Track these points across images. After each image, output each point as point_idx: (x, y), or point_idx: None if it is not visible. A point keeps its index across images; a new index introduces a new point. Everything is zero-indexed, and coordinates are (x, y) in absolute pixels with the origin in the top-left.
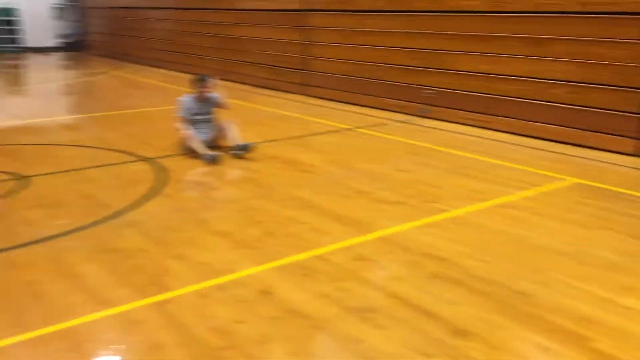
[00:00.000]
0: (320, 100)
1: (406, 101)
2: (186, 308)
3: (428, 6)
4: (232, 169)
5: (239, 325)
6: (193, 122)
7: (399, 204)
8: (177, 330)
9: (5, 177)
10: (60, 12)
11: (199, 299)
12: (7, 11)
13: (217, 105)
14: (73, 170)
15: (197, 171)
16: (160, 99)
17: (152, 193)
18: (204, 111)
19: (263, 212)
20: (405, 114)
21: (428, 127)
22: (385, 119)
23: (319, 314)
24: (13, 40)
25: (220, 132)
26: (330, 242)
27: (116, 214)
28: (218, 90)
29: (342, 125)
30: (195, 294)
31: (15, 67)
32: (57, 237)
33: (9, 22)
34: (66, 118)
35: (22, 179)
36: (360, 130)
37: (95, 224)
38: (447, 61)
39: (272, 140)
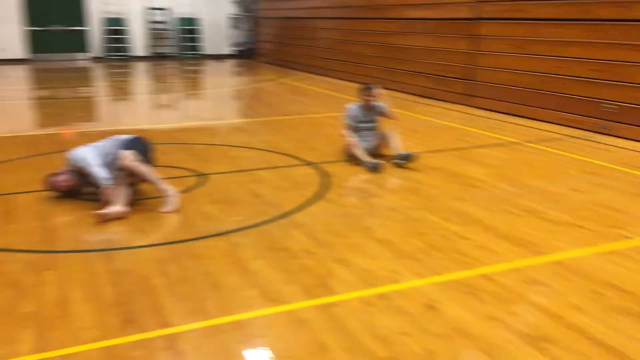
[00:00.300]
0: (485, 111)
1: (583, 116)
2: (351, 313)
3: (612, 14)
4: (394, 178)
5: (403, 337)
6: (357, 130)
7: (575, 226)
8: (342, 334)
9: (187, 173)
10: (236, 21)
11: (364, 306)
12: (190, 21)
13: (383, 114)
14: (245, 170)
15: (358, 178)
16: (324, 106)
17: (316, 197)
18: (368, 119)
19: (426, 224)
20: (581, 129)
21: (608, 144)
22: (558, 133)
23: (488, 337)
24: (193, 48)
25: (382, 140)
26: (497, 261)
27: (284, 215)
28: (384, 100)
29: (509, 139)
30: (360, 300)
31: (194, 72)
32: (232, 233)
33: (191, 31)
34: (238, 121)
35: (201, 176)
36: (530, 144)
37: (265, 222)
38: (631, 74)
39: (434, 151)
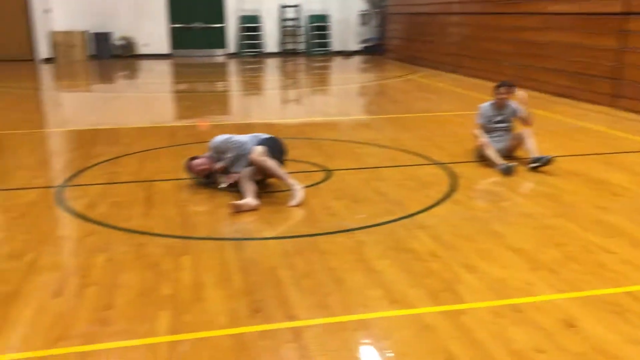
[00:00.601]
0: (633, 114)
1: None
2: (480, 323)
3: None
4: (527, 182)
5: (539, 355)
6: (490, 130)
7: None
8: (470, 344)
9: (313, 168)
10: (365, 18)
11: (494, 317)
12: (320, 18)
13: (518, 116)
14: (370, 167)
15: (489, 180)
16: (453, 104)
17: (443, 197)
18: (501, 119)
19: (564, 233)
20: None
21: None
22: None
23: None
24: (322, 44)
25: (516, 141)
26: None
27: (409, 215)
28: (521, 102)
29: None
30: (489, 310)
31: (322, 68)
32: (356, 230)
33: (320, 28)
34: (364, 117)
35: (327, 172)
36: None
37: (389, 221)
38: None
39: (572, 155)
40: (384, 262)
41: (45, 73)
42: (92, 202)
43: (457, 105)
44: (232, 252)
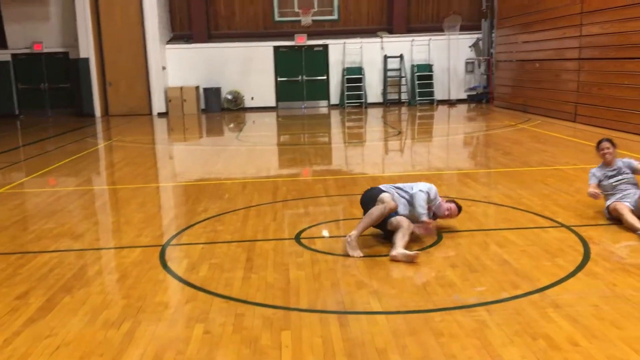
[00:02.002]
0: None
1: None
2: None
3: None
4: None
5: None
6: (610, 189)
7: None
8: None
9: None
10: (471, 66)
11: None
12: (423, 67)
13: (633, 167)
14: (486, 229)
15: (628, 247)
16: (574, 156)
17: (576, 269)
18: (614, 174)
19: None
20: None
21: None
22: None
23: None
24: (426, 94)
25: None
26: None
27: (537, 289)
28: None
29: None
30: None
31: (426, 117)
32: (476, 307)
33: (423, 77)
34: (474, 171)
35: (438, 234)
36: None
37: (515, 297)
38: None
39: None
40: (513, 351)
41: (159, 126)
42: (193, 263)
43: (578, 158)
44: (336, 328)
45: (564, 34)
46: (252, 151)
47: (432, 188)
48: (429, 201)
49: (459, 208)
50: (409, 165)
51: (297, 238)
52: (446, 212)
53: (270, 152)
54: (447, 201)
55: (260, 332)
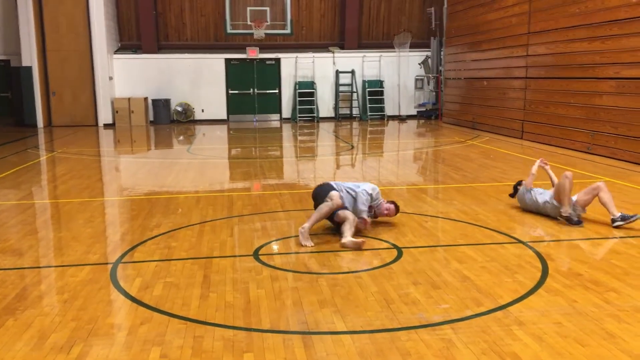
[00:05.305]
0: None
1: None
2: None
3: None
4: (632, 269)
5: None
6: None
7: None
8: None
9: (383, 245)
10: (420, 82)
11: None
12: (374, 83)
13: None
14: (445, 245)
15: (584, 262)
16: (523, 172)
17: (536, 285)
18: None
19: None
20: None
21: None
22: None
23: None
24: (376, 109)
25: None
26: None
27: (500, 306)
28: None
29: None
30: None
31: (377, 132)
32: (441, 325)
33: (374, 93)
34: (429, 187)
35: (397, 249)
36: None
37: (478, 314)
38: None
39: None
40: None
41: (106, 138)
42: (147, 282)
43: (527, 174)
44: (300, 350)
45: (512, 53)
46: (204, 164)
47: (376, 189)
48: (371, 201)
49: (397, 208)
50: (362, 180)
51: (256, 254)
52: (385, 212)
53: (223, 166)
54: (387, 202)
55: (222, 355)
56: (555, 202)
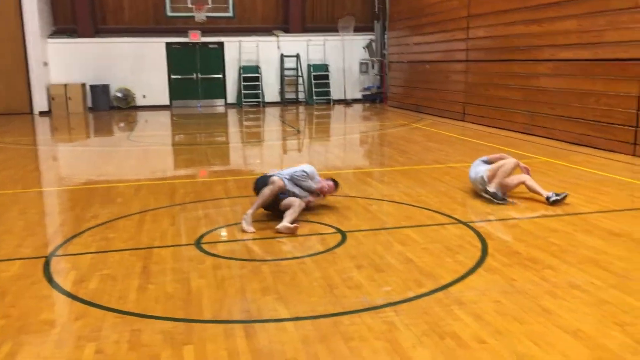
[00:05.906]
0: None
1: None
2: None
3: None
4: (569, 245)
5: None
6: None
7: None
8: None
9: (326, 230)
10: (365, 66)
11: None
12: (320, 67)
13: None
14: (389, 228)
15: (522, 242)
16: (465, 154)
17: (476, 265)
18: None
19: (625, 310)
20: None
21: None
22: None
23: None
24: (322, 93)
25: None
26: None
27: (441, 286)
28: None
29: None
30: None
31: (323, 117)
32: (384, 307)
33: (320, 77)
34: (373, 170)
35: (342, 234)
36: None
37: (420, 296)
38: None
39: (607, 211)
40: (423, 353)
41: (42, 126)
42: (82, 275)
43: (470, 156)
44: (242, 339)
45: (453, 36)
46: (146, 152)
47: (312, 167)
48: (307, 177)
49: (336, 184)
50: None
51: (198, 243)
52: (326, 188)
53: (166, 153)
54: (326, 179)
55: (161, 348)
56: (486, 178)
